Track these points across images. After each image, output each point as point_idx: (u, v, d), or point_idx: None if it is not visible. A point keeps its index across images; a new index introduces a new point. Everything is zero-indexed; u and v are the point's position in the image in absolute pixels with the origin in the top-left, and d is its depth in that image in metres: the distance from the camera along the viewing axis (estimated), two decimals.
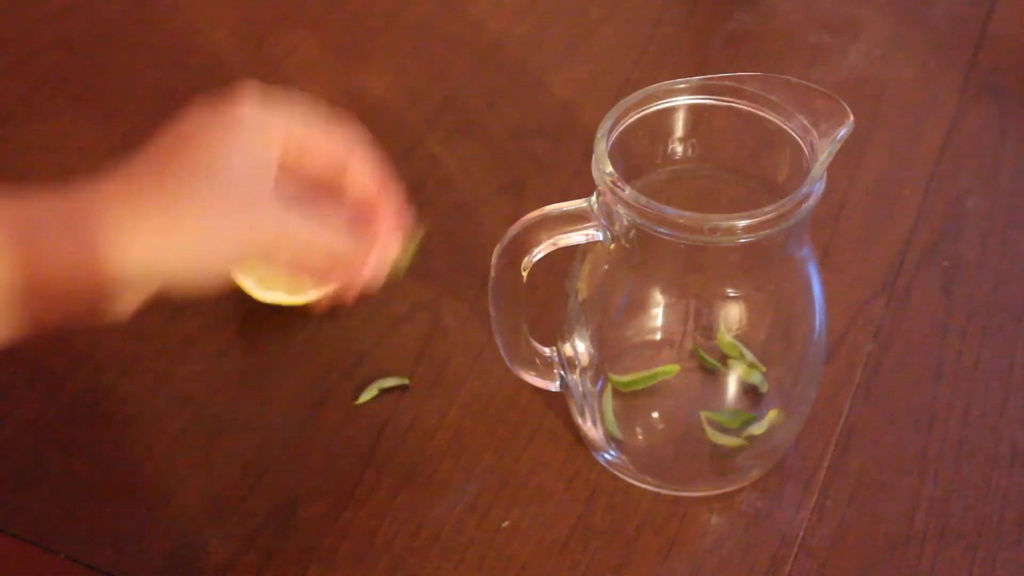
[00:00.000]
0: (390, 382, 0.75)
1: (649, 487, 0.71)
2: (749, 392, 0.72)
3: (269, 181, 0.60)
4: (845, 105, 0.64)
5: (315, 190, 0.65)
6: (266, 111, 0.61)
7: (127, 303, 0.59)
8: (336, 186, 0.65)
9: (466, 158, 0.90)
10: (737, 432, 0.70)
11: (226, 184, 0.59)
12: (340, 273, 0.63)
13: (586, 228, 0.64)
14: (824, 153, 0.63)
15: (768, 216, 0.61)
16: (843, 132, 0.64)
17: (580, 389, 0.70)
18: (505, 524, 0.70)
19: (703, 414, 0.70)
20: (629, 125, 0.66)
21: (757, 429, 0.69)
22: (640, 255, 0.65)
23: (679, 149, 0.68)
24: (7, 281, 0.55)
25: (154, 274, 0.58)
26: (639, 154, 0.67)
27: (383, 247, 0.64)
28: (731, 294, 0.67)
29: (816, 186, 0.62)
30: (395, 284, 0.81)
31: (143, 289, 0.59)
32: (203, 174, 0.59)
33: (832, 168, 0.64)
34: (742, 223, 0.61)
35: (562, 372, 0.70)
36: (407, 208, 0.65)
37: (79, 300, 0.56)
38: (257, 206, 0.60)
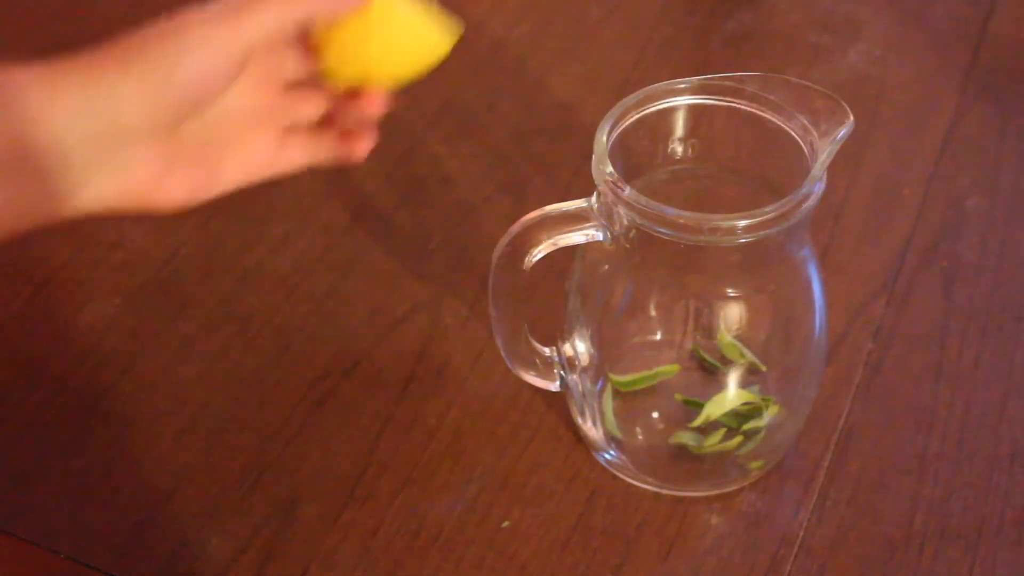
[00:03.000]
0: None
1: (649, 487, 0.71)
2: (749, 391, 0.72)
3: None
4: (845, 105, 0.64)
5: None
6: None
7: (82, 185, 0.53)
8: None
9: (466, 158, 0.90)
10: (736, 432, 0.70)
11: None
12: None
13: (586, 228, 0.64)
14: (824, 153, 0.63)
15: (768, 216, 0.61)
16: (843, 132, 0.64)
17: (580, 389, 0.70)
18: (505, 524, 0.70)
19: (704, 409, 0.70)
20: (629, 125, 0.66)
21: (756, 427, 0.69)
22: (640, 255, 0.65)
23: (679, 149, 0.68)
24: None
25: (93, 128, 0.53)
26: (639, 154, 0.67)
27: None
28: (731, 294, 0.67)
29: (816, 186, 0.62)
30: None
31: (93, 157, 0.53)
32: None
33: (832, 168, 0.64)
34: (742, 223, 0.61)
35: (562, 372, 0.70)
36: None
37: (16, 178, 0.51)
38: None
